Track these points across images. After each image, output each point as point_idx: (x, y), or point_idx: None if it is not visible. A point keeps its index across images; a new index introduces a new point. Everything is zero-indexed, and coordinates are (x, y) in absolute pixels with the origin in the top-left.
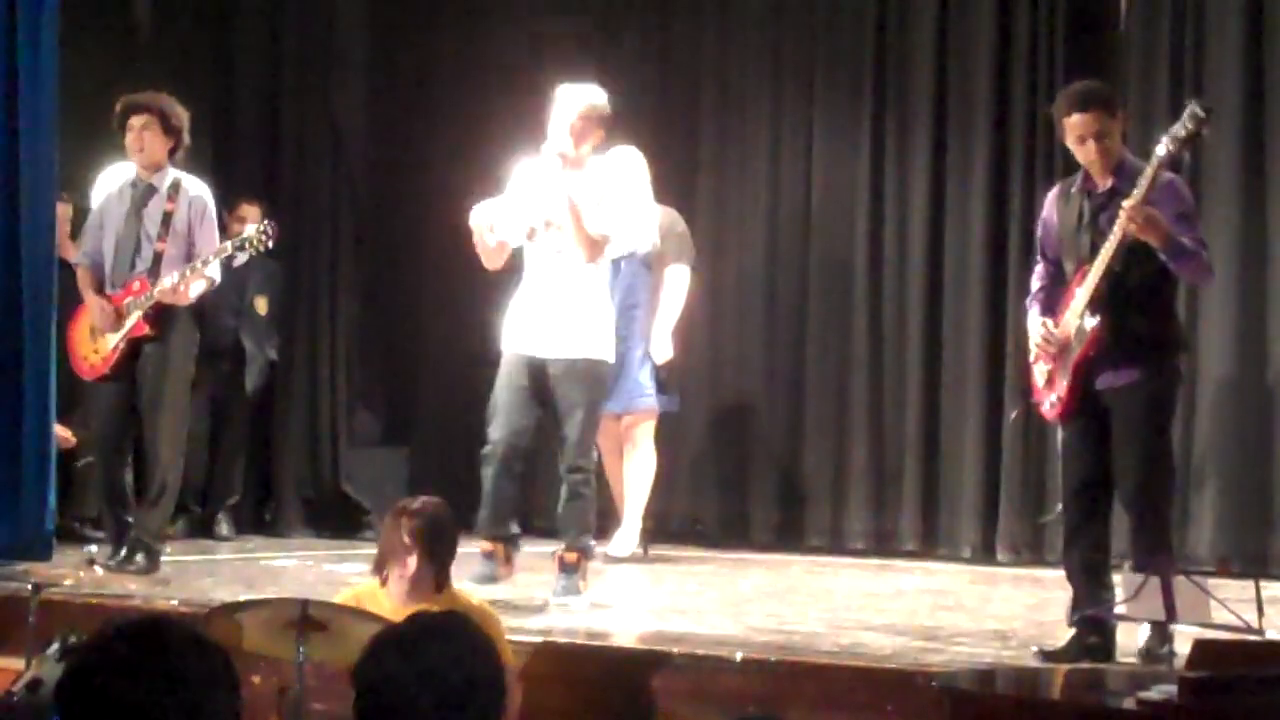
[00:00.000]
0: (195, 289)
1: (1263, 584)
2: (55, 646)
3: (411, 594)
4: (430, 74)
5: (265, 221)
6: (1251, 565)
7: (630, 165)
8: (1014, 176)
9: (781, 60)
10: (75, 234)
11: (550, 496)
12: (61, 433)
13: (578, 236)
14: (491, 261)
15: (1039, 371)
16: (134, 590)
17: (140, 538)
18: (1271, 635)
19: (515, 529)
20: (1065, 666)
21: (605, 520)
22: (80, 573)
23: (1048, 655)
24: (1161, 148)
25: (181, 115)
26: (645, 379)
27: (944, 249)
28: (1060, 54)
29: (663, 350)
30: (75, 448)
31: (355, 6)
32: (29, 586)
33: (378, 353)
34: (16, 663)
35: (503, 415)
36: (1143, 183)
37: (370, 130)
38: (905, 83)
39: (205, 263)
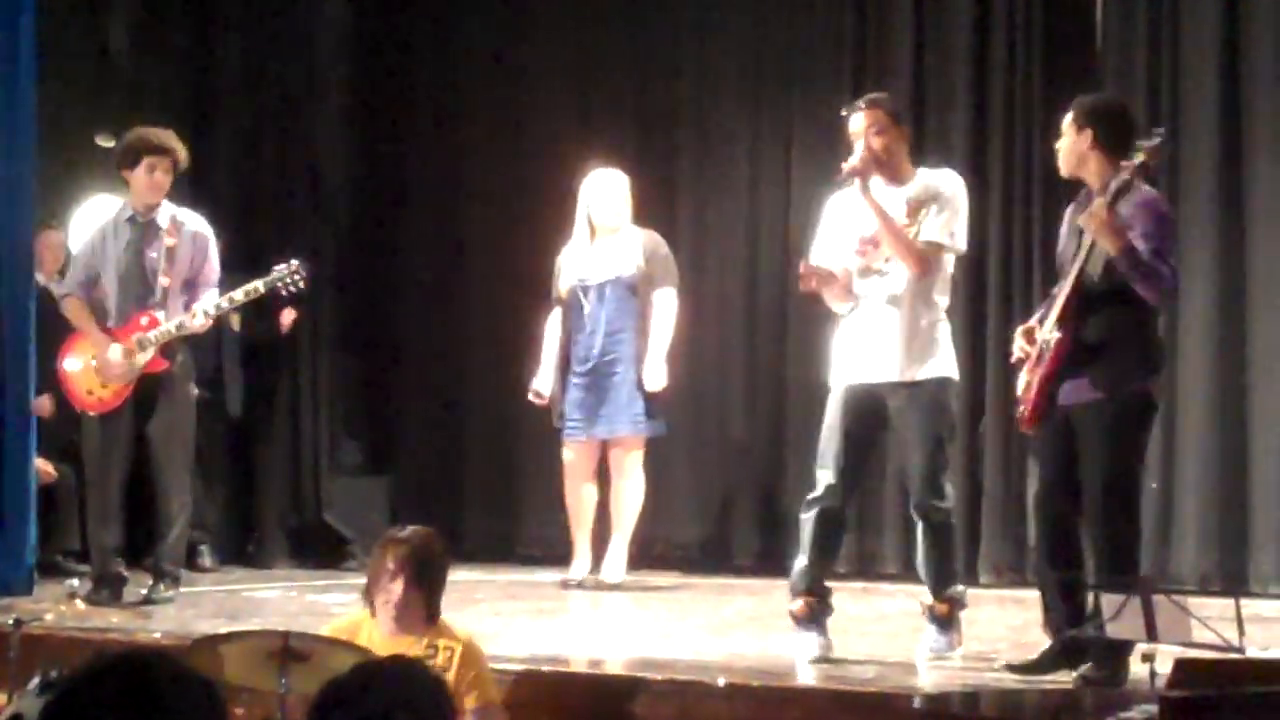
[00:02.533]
0: (202, 318)
1: (1243, 602)
2: (36, 681)
3: (399, 624)
4: (409, 106)
5: (296, 262)
6: (1232, 584)
7: (612, 188)
8: (992, 196)
9: (760, 81)
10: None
11: (537, 522)
12: (42, 467)
13: (897, 248)
14: (839, 303)
15: (1020, 380)
16: (116, 624)
17: (163, 566)
18: (1253, 653)
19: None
20: (1048, 688)
21: (563, 548)
22: (62, 607)
23: (1016, 669)
24: (1114, 180)
25: (185, 156)
26: (634, 404)
27: None
28: (1037, 73)
29: (657, 377)
30: (54, 481)
31: (334, 39)
32: (10, 621)
33: (359, 382)
34: None
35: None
36: (1110, 190)
37: (349, 156)
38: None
39: (232, 300)
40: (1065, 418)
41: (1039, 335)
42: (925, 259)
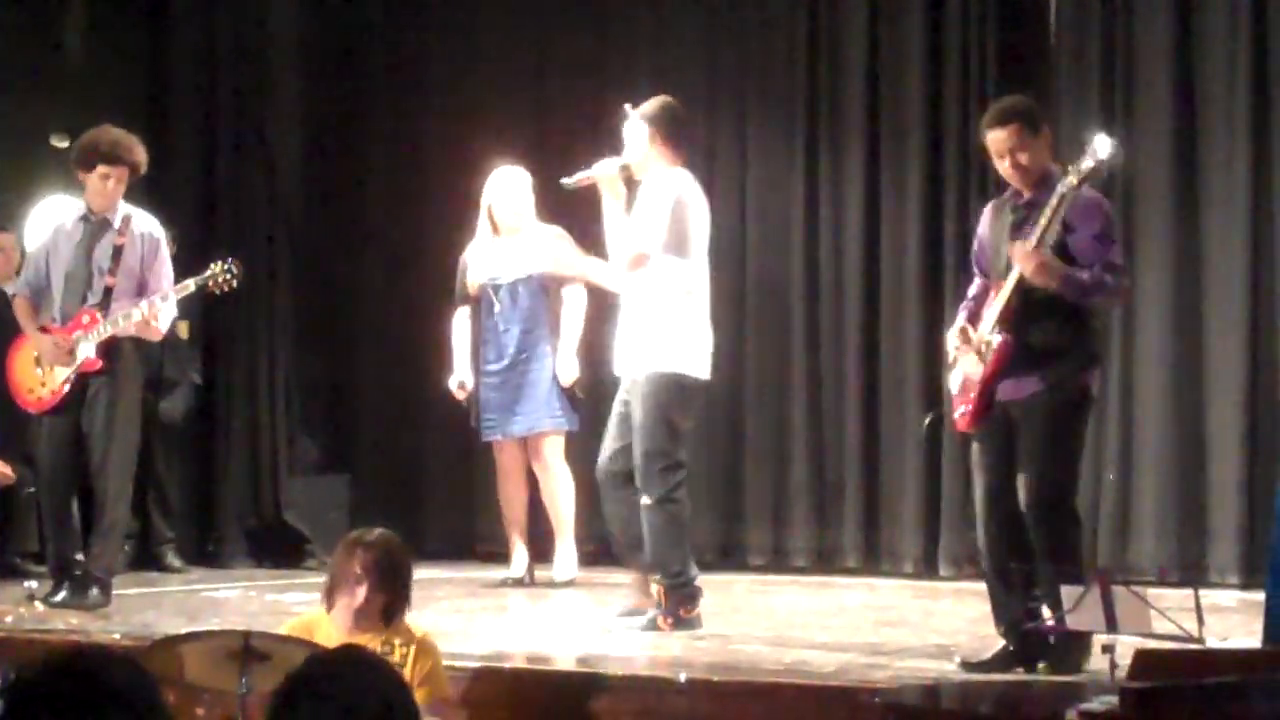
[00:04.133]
0: (165, 321)
1: (1202, 593)
2: None
3: (357, 624)
4: (365, 106)
5: (230, 260)
6: (1190, 574)
7: (518, 186)
8: (949, 191)
9: (715, 79)
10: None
11: (496, 519)
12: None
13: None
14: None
15: (954, 379)
16: (76, 624)
17: (93, 571)
18: (1212, 644)
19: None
20: (1008, 680)
21: (500, 546)
22: (20, 608)
23: (971, 667)
24: (1063, 185)
25: (143, 156)
26: (551, 399)
27: (880, 266)
28: (991, 68)
29: (569, 371)
30: (14, 483)
31: (288, 34)
32: None
33: (317, 381)
34: None
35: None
36: (1040, 223)
37: (305, 156)
38: (838, 99)
39: (165, 298)
40: (1004, 414)
41: (974, 336)
42: (633, 263)
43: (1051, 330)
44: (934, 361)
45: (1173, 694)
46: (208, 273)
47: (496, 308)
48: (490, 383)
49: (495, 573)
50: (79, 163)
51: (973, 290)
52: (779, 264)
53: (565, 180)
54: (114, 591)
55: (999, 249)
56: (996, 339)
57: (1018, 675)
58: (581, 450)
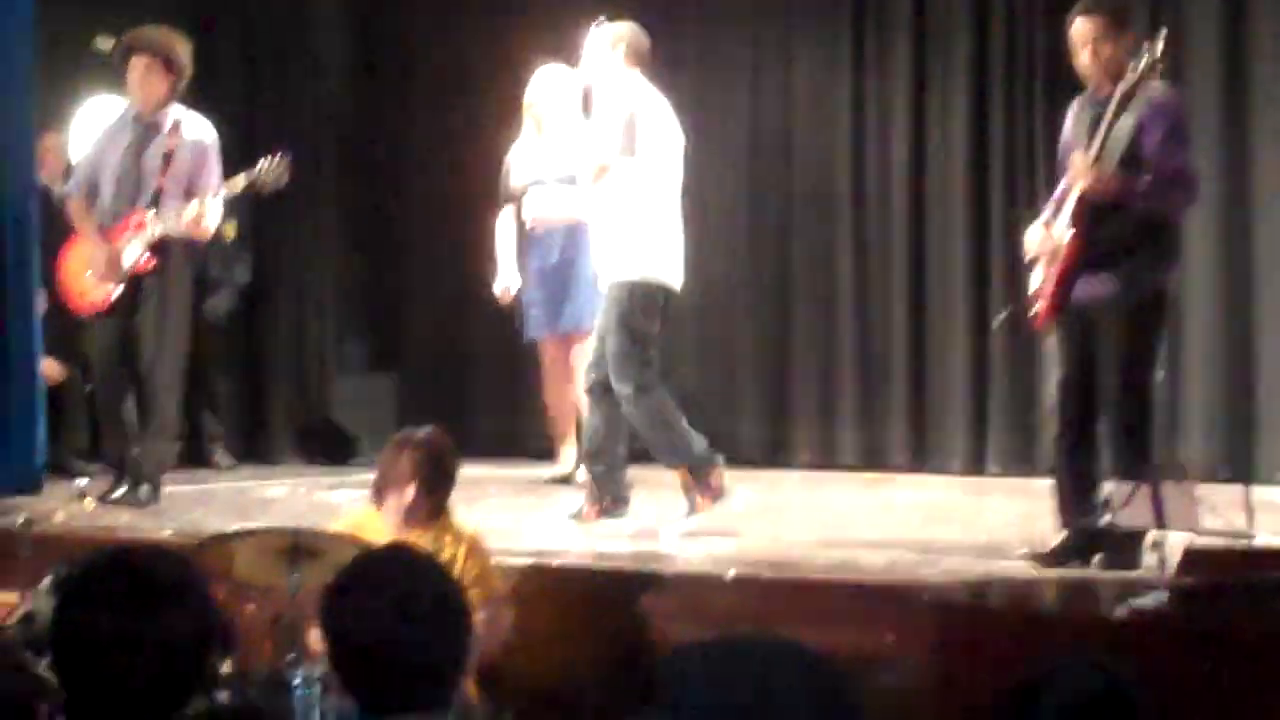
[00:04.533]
0: (214, 220)
1: (1252, 489)
2: (48, 580)
3: (406, 521)
4: (410, 7)
5: (279, 155)
6: (1240, 471)
7: (563, 86)
8: (995, 92)
9: None
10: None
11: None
12: (49, 368)
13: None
14: None
15: (1034, 277)
16: (126, 522)
17: (143, 469)
18: (1262, 540)
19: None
20: (1057, 576)
21: (547, 444)
22: (72, 506)
23: (1034, 558)
24: (1123, 83)
25: (184, 52)
26: (595, 297)
27: (926, 166)
28: None
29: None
30: (64, 381)
31: None
32: (20, 521)
33: (364, 280)
34: (10, 597)
35: None
36: (1101, 129)
37: (350, 56)
38: (884, 2)
39: (216, 194)
40: (1081, 315)
41: (1052, 233)
42: (596, 173)
43: (1119, 228)
44: (982, 261)
45: (1222, 590)
46: (257, 169)
47: None
48: (535, 281)
49: (543, 470)
50: (121, 60)
51: (1060, 188)
52: (826, 167)
53: None
54: (164, 489)
55: (1078, 146)
56: (1067, 235)
57: (1077, 569)
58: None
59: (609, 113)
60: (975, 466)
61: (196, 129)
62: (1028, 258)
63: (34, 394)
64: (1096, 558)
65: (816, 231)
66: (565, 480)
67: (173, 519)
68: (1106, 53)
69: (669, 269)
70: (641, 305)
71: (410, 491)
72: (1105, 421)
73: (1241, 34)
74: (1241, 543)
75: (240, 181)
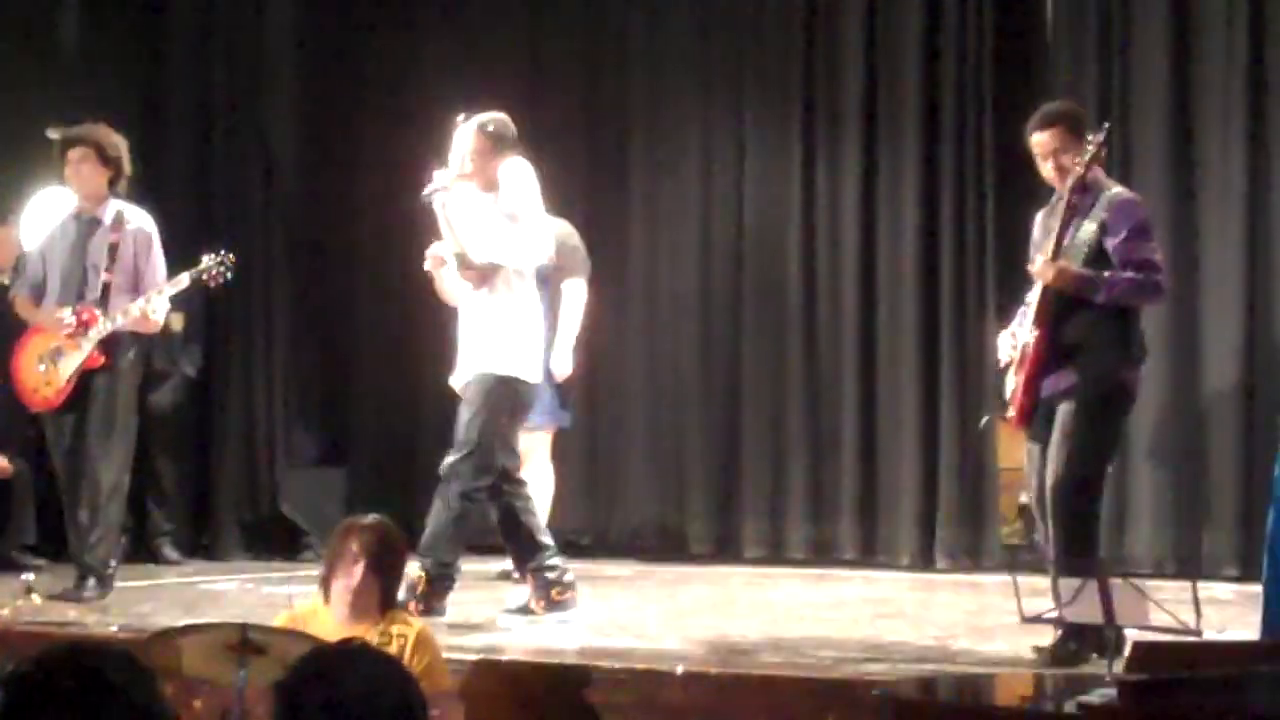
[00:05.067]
0: (161, 314)
1: (1199, 585)
2: None
3: (354, 610)
4: (360, 98)
5: (223, 252)
6: (1188, 566)
7: (520, 178)
8: (944, 187)
9: (711, 72)
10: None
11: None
12: None
13: (460, 266)
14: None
15: (1008, 382)
16: (73, 618)
17: (91, 564)
18: (1210, 636)
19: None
20: (1005, 672)
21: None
22: (19, 601)
23: (1038, 651)
24: (1071, 177)
25: (118, 145)
26: (544, 394)
27: (877, 260)
28: (988, 69)
29: (564, 366)
30: (10, 477)
31: (284, 25)
32: None
33: (313, 373)
34: None
35: None
36: (1054, 227)
37: (301, 150)
38: (835, 94)
39: (160, 292)
40: (1050, 411)
41: (1019, 338)
42: (481, 275)
43: (1084, 325)
44: (931, 356)
45: (1170, 685)
46: (202, 265)
47: None
48: None
49: (492, 565)
50: (59, 155)
51: (1029, 296)
52: (776, 261)
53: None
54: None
55: (1038, 252)
56: (1032, 336)
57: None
58: (612, 445)
59: (491, 209)
60: (924, 562)
61: (138, 219)
62: (1000, 365)
63: None
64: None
65: (766, 328)
66: (509, 576)
67: (120, 614)
68: (1065, 161)
69: (533, 365)
70: (505, 400)
71: (358, 572)
72: (1053, 510)
73: (1186, 126)
74: (1189, 638)
75: (185, 279)
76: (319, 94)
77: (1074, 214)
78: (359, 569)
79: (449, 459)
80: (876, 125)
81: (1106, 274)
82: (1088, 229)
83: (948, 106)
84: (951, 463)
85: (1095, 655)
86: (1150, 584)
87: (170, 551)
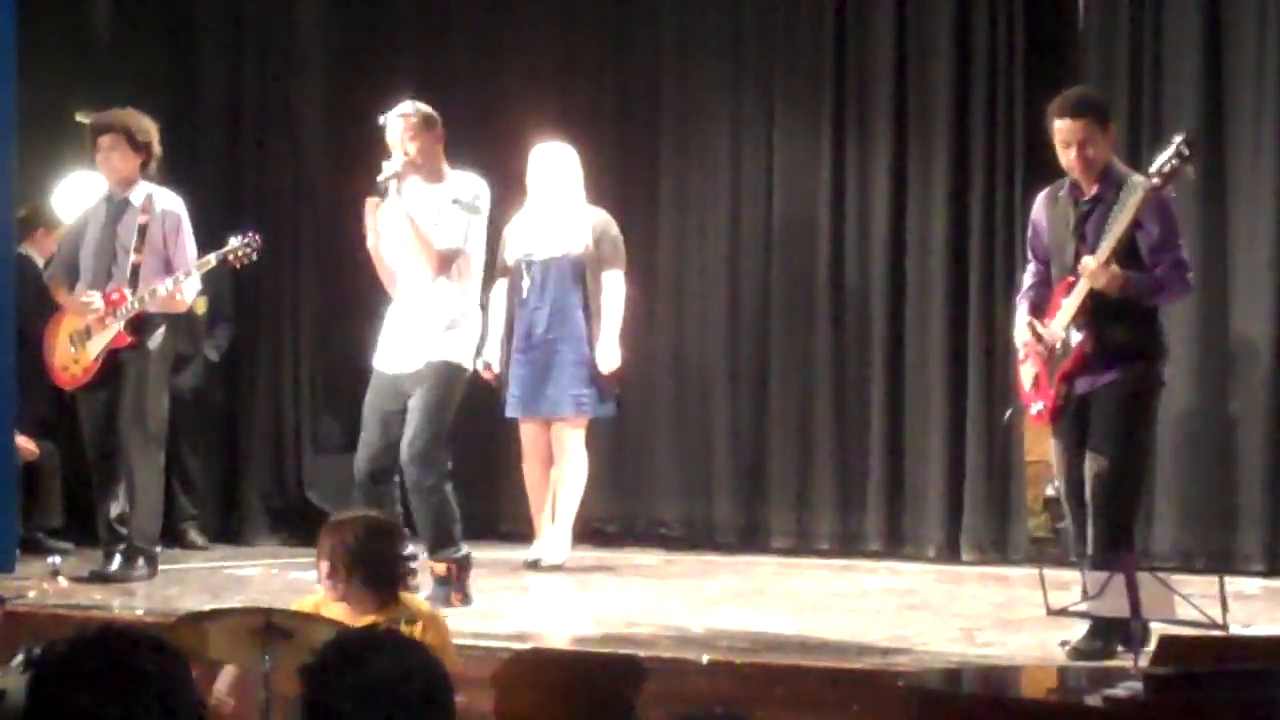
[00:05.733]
0: (190, 294)
1: (1226, 579)
2: (20, 658)
3: (351, 610)
4: (390, 79)
5: (250, 233)
6: (1215, 561)
7: (561, 163)
8: (975, 179)
9: (741, 65)
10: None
11: (517, 499)
12: (23, 444)
13: (415, 246)
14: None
15: (1026, 374)
16: (99, 600)
17: (137, 543)
18: (1236, 631)
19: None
20: (1030, 665)
21: (523, 526)
22: (44, 584)
23: (1070, 650)
24: (1144, 185)
25: (149, 129)
26: (577, 383)
27: (906, 251)
28: (1019, 58)
29: (610, 358)
30: (36, 459)
31: (314, 13)
32: None
33: (341, 359)
34: None
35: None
36: (1115, 231)
37: (330, 135)
38: (865, 87)
39: (188, 274)
40: (1081, 405)
41: (1047, 329)
42: (444, 260)
43: (1127, 328)
44: (960, 347)
45: (1196, 680)
46: (228, 246)
47: (526, 284)
48: (518, 359)
49: (518, 553)
50: (90, 141)
51: (1029, 279)
52: (804, 248)
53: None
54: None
55: (1061, 242)
56: (1076, 336)
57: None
58: (639, 436)
59: (443, 197)
60: (950, 554)
61: (167, 202)
62: (1021, 354)
63: (9, 472)
64: (1075, 639)
65: (795, 319)
66: (535, 565)
67: (146, 598)
68: (1093, 153)
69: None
70: (460, 389)
71: (331, 586)
72: (1097, 502)
73: (1219, 119)
74: (1215, 633)
75: (212, 259)
76: (348, 80)
77: (1095, 205)
78: (324, 574)
79: (415, 447)
80: (906, 115)
81: (1157, 275)
82: (1121, 221)
83: (978, 96)
84: (978, 455)
85: (1121, 649)
86: (1177, 579)
87: (196, 536)
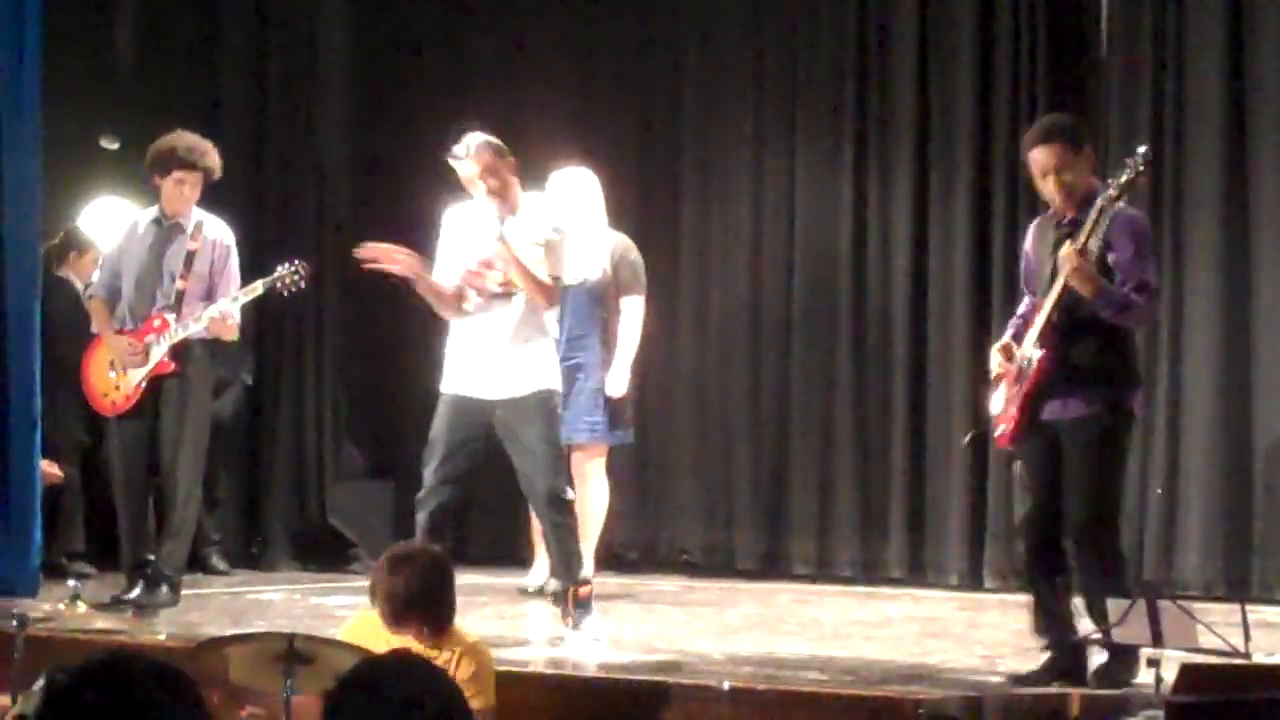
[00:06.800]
0: (237, 321)
1: (1248, 607)
2: (41, 683)
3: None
4: (413, 106)
5: (298, 262)
6: (1237, 589)
7: (581, 188)
8: (997, 203)
9: (764, 88)
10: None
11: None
12: (47, 469)
13: (527, 285)
14: (448, 312)
15: (997, 398)
16: (122, 625)
17: (164, 570)
18: (1258, 659)
19: None
20: (1052, 692)
21: (510, 549)
22: (65, 608)
23: (1018, 680)
24: (1102, 198)
25: (219, 167)
26: (593, 410)
27: (928, 277)
28: (1042, 81)
29: (620, 384)
30: (61, 483)
31: (336, 37)
32: (14, 622)
33: (363, 385)
34: (3, 699)
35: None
36: (1081, 235)
37: (354, 160)
38: (888, 110)
39: (235, 300)
40: (1050, 433)
41: (1018, 352)
42: (555, 291)
43: (1093, 349)
44: (981, 374)
45: (1217, 709)
46: (275, 274)
47: None
48: None
49: (512, 580)
50: (154, 168)
51: (1021, 308)
52: (827, 277)
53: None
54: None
55: (1044, 267)
56: (1036, 354)
57: (1061, 688)
58: (661, 462)
59: (533, 228)
60: (972, 581)
61: (217, 230)
62: (992, 377)
63: (33, 496)
64: (1089, 678)
65: (816, 345)
66: (539, 591)
67: (168, 623)
68: (1068, 178)
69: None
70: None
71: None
72: (1074, 543)
73: (1240, 144)
74: (1237, 661)
75: (259, 287)
76: (371, 106)
77: (1072, 227)
78: (382, 615)
79: (550, 480)
80: (928, 146)
81: (1125, 290)
82: (1092, 244)
83: (1000, 125)
84: (1000, 482)
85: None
86: (1199, 607)
87: (218, 561)
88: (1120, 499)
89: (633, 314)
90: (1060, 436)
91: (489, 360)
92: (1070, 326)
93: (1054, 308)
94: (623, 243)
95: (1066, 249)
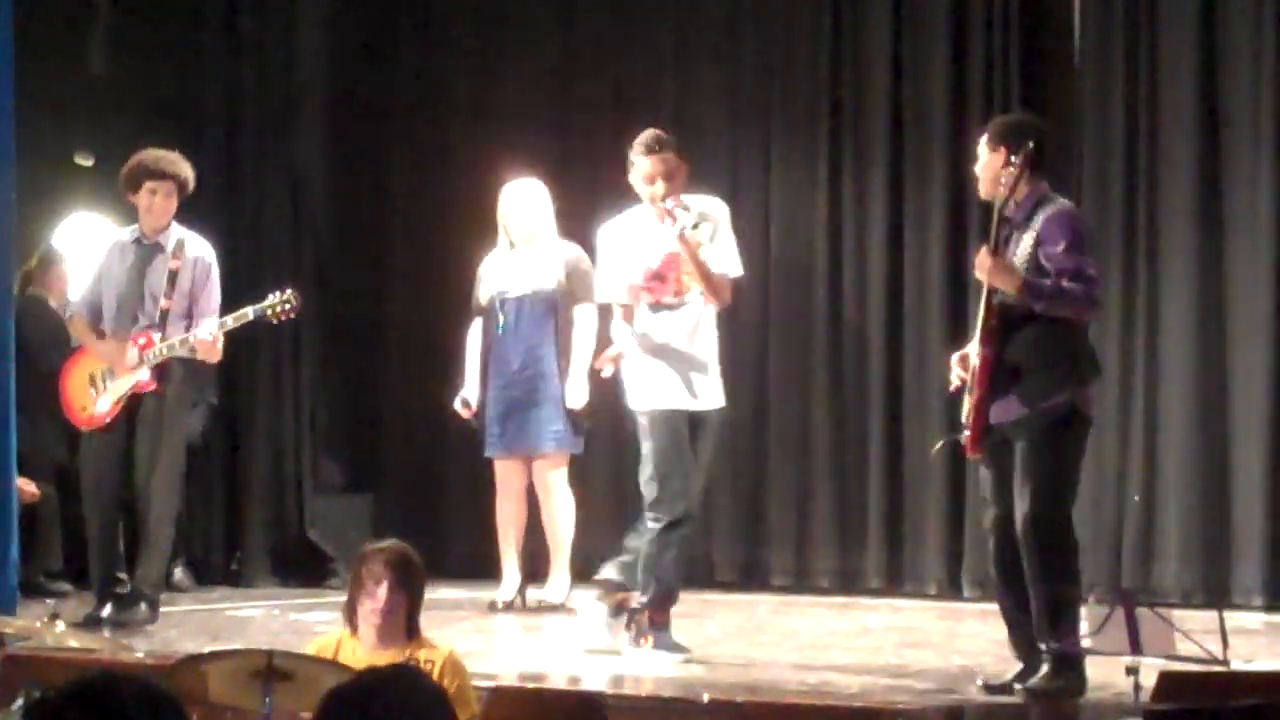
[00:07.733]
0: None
1: (1226, 614)
2: (19, 702)
3: (382, 635)
4: (389, 116)
5: (289, 291)
6: (1215, 596)
7: (532, 199)
8: (971, 209)
9: (737, 96)
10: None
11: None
12: (24, 486)
13: (707, 285)
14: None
15: (964, 405)
16: (101, 644)
17: (141, 588)
18: (1236, 666)
19: None
20: (1031, 702)
21: (488, 563)
22: (43, 626)
23: (993, 689)
24: (998, 200)
25: (192, 177)
26: (555, 419)
27: (903, 284)
28: (1015, 85)
29: (579, 394)
30: (37, 501)
31: (313, 50)
32: None
33: (341, 399)
34: None
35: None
36: (992, 230)
37: (329, 172)
38: (861, 117)
39: (223, 325)
40: (1002, 438)
41: (972, 358)
42: (731, 289)
43: (1027, 345)
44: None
45: (1197, 716)
46: (266, 303)
47: (502, 321)
48: (494, 397)
49: (482, 594)
50: (127, 185)
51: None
52: (801, 285)
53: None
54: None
55: None
56: (979, 357)
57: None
58: (585, 473)
59: (719, 226)
60: (950, 591)
61: (198, 248)
62: (952, 386)
63: (10, 514)
64: (1033, 680)
65: (791, 355)
66: (508, 606)
67: (146, 640)
68: (989, 174)
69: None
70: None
71: (383, 593)
72: (1028, 547)
73: (1214, 141)
74: (1216, 668)
75: (249, 314)
76: (348, 118)
77: (1013, 229)
78: (383, 590)
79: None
80: (903, 151)
81: (1048, 281)
82: (1025, 243)
83: (974, 130)
84: (978, 491)
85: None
86: (1177, 614)
87: (183, 577)
88: (1069, 497)
89: (586, 322)
90: (1008, 439)
91: (692, 371)
92: (1007, 327)
93: (986, 310)
94: (575, 252)
95: (980, 254)
